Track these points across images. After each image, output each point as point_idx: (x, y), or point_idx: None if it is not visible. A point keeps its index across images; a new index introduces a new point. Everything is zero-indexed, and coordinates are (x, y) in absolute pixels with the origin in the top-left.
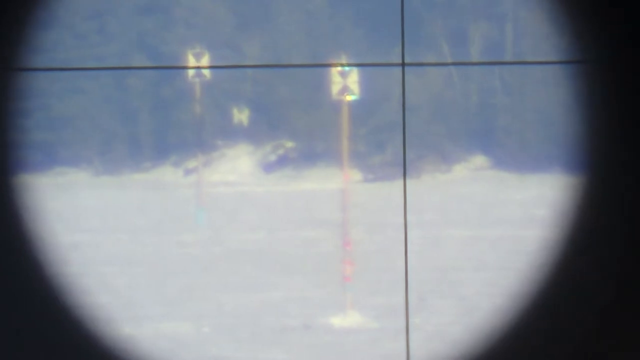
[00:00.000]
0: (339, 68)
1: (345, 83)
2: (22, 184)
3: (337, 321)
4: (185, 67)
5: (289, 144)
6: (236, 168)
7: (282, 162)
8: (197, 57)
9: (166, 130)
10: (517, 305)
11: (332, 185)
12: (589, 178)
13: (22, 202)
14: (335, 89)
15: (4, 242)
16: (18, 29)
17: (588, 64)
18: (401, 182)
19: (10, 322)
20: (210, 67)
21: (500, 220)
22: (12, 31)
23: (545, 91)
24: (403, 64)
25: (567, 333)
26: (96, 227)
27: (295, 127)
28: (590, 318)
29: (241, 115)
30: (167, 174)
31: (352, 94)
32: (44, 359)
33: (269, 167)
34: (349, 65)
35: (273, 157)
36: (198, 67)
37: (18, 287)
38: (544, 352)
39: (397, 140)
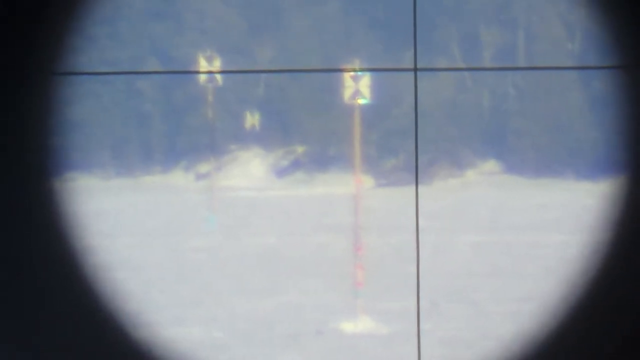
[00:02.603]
0: (351, 73)
1: (358, 87)
2: (60, 186)
3: (348, 326)
4: (197, 72)
5: (301, 149)
6: (248, 172)
7: (294, 166)
8: (209, 61)
9: (178, 135)
10: (535, 310)
11: (344, 189)
12: (627, 180)
13: (60, 204)
14: (347, 93)
15: (37, 243)
16: (55, 34)
17: (624, 69)
18: (413, 186)
19: (43, 320)
20: (222, 72)
21: (512, 225)
22: (50, 37)
23: (559, 96)
24: (415, 69)
25: (579, 334)
26: (107, 231)
27: (308, 132)
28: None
29: (253, 120)
30: (179, 178)
31: (364, 98)
32: (65, 359)
33: (281, 172)
34: (361, 70)
35: (285, 162)
36: (210, 72)
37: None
38: (568, 356)
39: (409, 145)
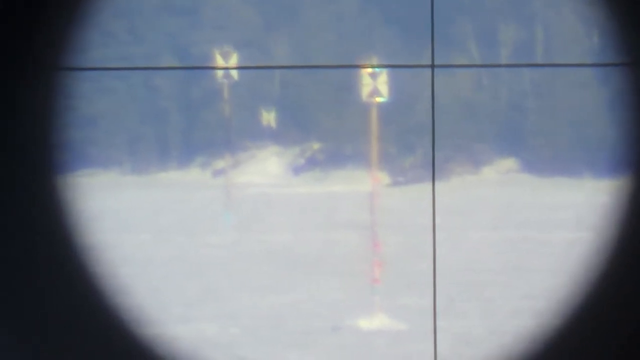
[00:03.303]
0: (369, 69)
1: (375, 85)
2: (67, 183)
3: (365, 323)
4: (214, 68)
5: (317, 146)
6: (264, 169)
7: (311, 163)
8: (225, 57)
9: (194, 131)
10: (549, 308)
11: (360, 187)
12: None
13: (66, 201)
14: (364, 90)
15: (39, 241)
16: (61, 30)
17: (632, 66)
18: (430, 183)
19: (50, 319)
20: (238, 68)
21: (529, 223)
22: (55, 32)
23: (576, 93)
24: (433, 66)
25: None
26: (123, 227)
27: (324, 129)
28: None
29: (269, 117)
30: (195, 175)
31: (382, 95)
32: (72, 357)
33: (297, 169)
34: (378, 66)
35: (301, 159)
36: (226, 68)
37: (58, 285)
38: (578, 353)
39: (427, 143)
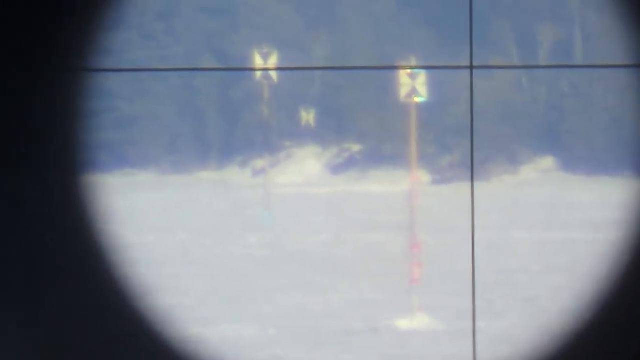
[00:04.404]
0: (408, 70)
1: (414, 85)
2: (91, 184)
3: (404, 324)
4: (253, 69)
5: (356, 146)
6: (303, 169)
7: (349, 164)
8: (265, 57)
9: (233, 131)
10: (587, 308)
11: (399, 187)
12: None
13: (91, 202)
14: (403, 91)
15: (72, 242)
16: (88, 31)
17: None
18: (469, 184)
19: (78, 320)
20: (278, 69)
21: (568, 222)
22: (82, 33)
23: (615, 94)
24: (471, 67)
25: (633, 334)
26: (162, 227)
27: (363, 129)
28: None
29: (308, 117)
30: (234, 175)
31: (420, 96)
32: (110, 358)
33: (336, 169)
34: (416, 67)
35: (340, 159)
36: (265, 69)
37: (86, 286)
38: (613, 353)
39: (465, 143)
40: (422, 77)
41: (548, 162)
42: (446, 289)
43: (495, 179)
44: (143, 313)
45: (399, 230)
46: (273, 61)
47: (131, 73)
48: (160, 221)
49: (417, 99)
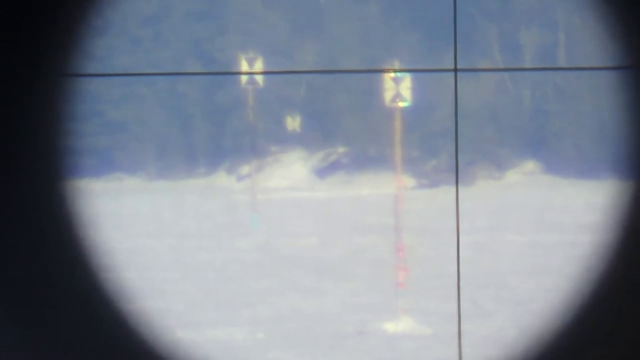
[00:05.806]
0: (392, 74)
1: (398, 89)
2: (74, 189)
3: (390, 327)
4: (239, 73)
5: (342, 150)
6: (289, 174)
7: (335, 167)
8: (251, 62)
9: (220, 136)
10: (573, 310)
11: (385, 190)
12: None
13: (75, 207)
14: (387, 95)
15: (58, 247)
16: (72, 36)
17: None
18: (454, 187)
19: (67, 326)
20: (264, 73)
21: (554, 225)
22: (66, 38)
23: (600, 96)
24: (456, 70)
25: (620, 336)
26: (149, 232)
27: (348, 133)
28: None
29: (294, 121)
30: (221, 180)
31: (405, 100)
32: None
33: (322, 173)
34: (401, 71)
35: (326, 163)
36: (251, 73)
37: (73, 292)
38: (598, 354)
39: (450, 146)
40: (406, 81)
41: (533, 164)
42: (432, 293)
43: (480, 182)
44: (131, 318)
45: (385, 234)
46: (259, 66)
47: (118, 78)
48: (148, 226)
49: (401, 103)
